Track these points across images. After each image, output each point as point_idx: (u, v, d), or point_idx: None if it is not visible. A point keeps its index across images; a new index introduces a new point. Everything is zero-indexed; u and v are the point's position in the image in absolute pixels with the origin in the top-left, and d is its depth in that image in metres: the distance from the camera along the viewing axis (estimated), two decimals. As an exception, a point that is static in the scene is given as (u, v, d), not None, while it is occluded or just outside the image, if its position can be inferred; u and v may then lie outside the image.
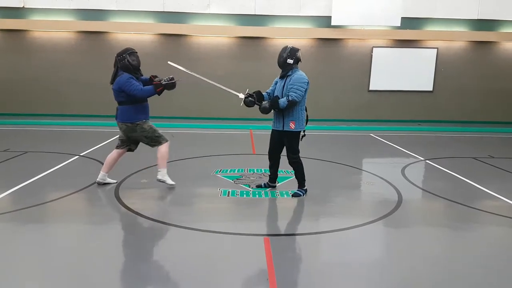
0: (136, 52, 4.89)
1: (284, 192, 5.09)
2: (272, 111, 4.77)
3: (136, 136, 4.99)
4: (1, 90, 11.75)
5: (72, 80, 11.83)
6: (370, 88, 12.39)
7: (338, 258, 3.45)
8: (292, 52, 4.66)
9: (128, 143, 5.14)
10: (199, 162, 6.71)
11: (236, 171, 6.05)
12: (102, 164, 6.26)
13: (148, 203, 4.71)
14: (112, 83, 4.85)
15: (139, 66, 4.90)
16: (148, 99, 4.93)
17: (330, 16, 11.51)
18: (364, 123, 11.85)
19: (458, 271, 3.25)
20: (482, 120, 12.50)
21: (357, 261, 3.38)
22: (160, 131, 5.10)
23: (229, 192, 5.08)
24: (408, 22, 11.74)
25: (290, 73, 4.68)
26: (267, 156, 5.10)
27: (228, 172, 6.02)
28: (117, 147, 5.17)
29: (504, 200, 5.04)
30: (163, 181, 5.08)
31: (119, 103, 4.88)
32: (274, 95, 4.81)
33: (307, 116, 4.83)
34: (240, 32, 11.37)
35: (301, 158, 4.93)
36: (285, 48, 4.72)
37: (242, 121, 11.39)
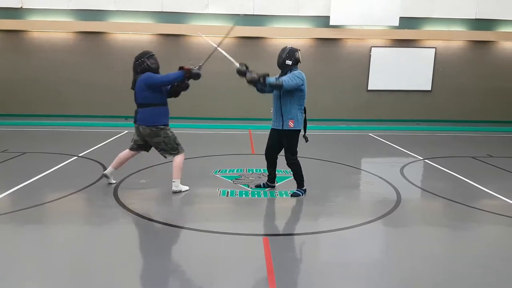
0: (154, 55, 4.82)
1: (283, 192, 5.10)
2: (272, 110, 4.77)
3: (157, 141, 4.84)
4: (-1, 91, 11.75)
5: (71, 81, 11.81)
6: (369, 88, 12.40)
7: (338, 258, 3.45)
8: (291, 52, 4.66)
9: (145, 148, 5.07)
10: (198, 162, 6.71)
11: (235, 171, 6.05)
12: (101, 164, 6.29)
13: (147, 203, 4.70)
14: (133, 88, 4.77)
15: (158, 69, 4.84)
16: None
17: (329, 16, 11.52)
18: (363, 123, 11.86)
19: (457, 270, 3.25)
20: (481, 120, 12.52)
21: (356, 261, 3.38)
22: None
23: (228, 192, 5.08)
24: (407, 22, 11.76)
25: (289, 73, 4.67)
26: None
27: (227, 172, 6.02)
28: (131, 149, 5.11)
29: (503, 199, 5.04)
30: (179, 191, 4.98)
31: (141, 105, 4.76)
32: (281, 99, 4.71)
33: (305, 118, 4.82)
34: (238, 32, 11.37)
35: (300, 158, 4.93)
36: (284, 48, 4.71)
37: (241, 121, 11.40)
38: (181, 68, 4.80)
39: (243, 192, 5.09)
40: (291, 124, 4.69)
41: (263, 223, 4.28)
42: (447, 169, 6.56)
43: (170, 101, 4.98)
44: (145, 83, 4.66)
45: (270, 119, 4.98)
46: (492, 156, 7.66)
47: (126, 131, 9.51)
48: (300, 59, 4.72)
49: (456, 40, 12.14)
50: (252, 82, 4.46)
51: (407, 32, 11.80)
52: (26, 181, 5.33)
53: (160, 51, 11.50)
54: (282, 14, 11.68)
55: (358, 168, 6.69)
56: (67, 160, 6.59)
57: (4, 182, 5.24)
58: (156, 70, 4.78)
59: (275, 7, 11.63)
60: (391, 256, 3.54)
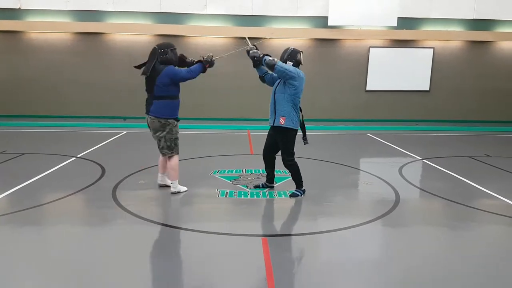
0: (176, 49, 4.83)
1: (282, 193, 5.10)
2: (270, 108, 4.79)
3: (159, 135, 4.83)
4: (-2, 91, 11.72)
5: (69, 81, 11.79)
6: (367, 88, 12.41)
7: (337, 258, 3.45)
8: (293, 54, 4.67)
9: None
10: (197, 162, 6.70)
11: (234, 172, 6.05)
12: (99, 165, 6.29)
13: (146, 204, 4.70)
14: (147, 74, 4.68)
15: (177, 63, 4.87)
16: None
17: (327, 17, 11.52)
18: (362, 123, 11.87)
19: (456, 270, 3.25)
20: (479, 120, 12.55)
21: (355, 261, 3.38)
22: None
23: (227, 192, 5.08)
24: (405, 22, 11.78)
25: None
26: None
27: (226, 172, 6.02)
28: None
29: (502, 199, 5.05)
30: (178, 192, 5.00)
31: (159, 97, 4.71)
32: (275, 92, 4.77)
33: (302, 118, 4.81)
34: (237, 32, 11.36)
35: (298, 159, 4.93)
36: (287, 49, 4.74)
37: (240, 121, 11.40)
38: (198, 61, 4.89)
39: (242, 193, 5.09)
40: (281, 121, 4.67)
41: (262, 224, 4.28)
42: (445, 169, 6.57)
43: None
44: (171, 78, 4.65)
45: (268, 120, 4.99)
46: (490, 156, 7.67)
47: (125, 132, 9.50)
48: (302, 61, 4.73)
49: (454, 40, 12.16)
50: (253, 56, 4.73)
51: (405, 32, 11.82)
52: (25, 182, 5.32)
53: (158, 52, 11.62)
54: (280, 15, 11.69)
55: (357, 168, 6.69)
56: (66, 161, 6.58)
57: (2, 184, 5.23)
58: (175, 64, 4.79)
59: (274, 7, 11.63)
60: (390, 256, 3.54)
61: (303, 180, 5.01)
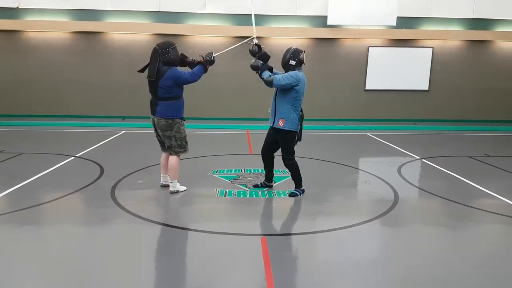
0: (176, 46, 4.81)
1: (281, 192, 5.09)
2: (270, 109, 4.78)
3: (168, 134, 4.83)
4: (-3, 91, 11.69)
5: (68, 81, 11.75)
6: (367, 88, 12.40)
7: (335, 258, 3.45)
8: (296, 53, 4.67)
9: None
10: (196, 162, 6.70)
11: (233, 171, 6.04)
12: (98, 165, 6.28)
13: (144, 204, 4.69)
14: (151, 77, 4.65)
15: (179, 61, 4.87)
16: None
17: (326, 16, 11.51)
18: (361, 123, 11.87)
19: (456, 269, 3.25)
20: (478, 119, 12.55)
21: (354, 260, 3.38)
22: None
23: (226, 192, 5.07)
24: (404, 22, 11.76)
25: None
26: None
27: (225, 172, 6.01)
28: (163, 151, 5.10)
29: (501, 199, 5.05)
30: (177, 192, 4.99)
31: (164, 98, 4.70)
32: (276, 93, 4.77)
33: (302, 118, 4.80)
34: (236, 31, 11.34)
35: (298, 158, 4.92)
36: (289, 49, 4.73)
37: (239, 121, 11.39)
38: (199, 62, 4.91)
39: (241, 192, 5.08)
40: (280, 123, 4.68)
41: (261, 223, 4.27)
42: (444, 168, 6.57)
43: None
44: (175, 81, 4.66)
45: (267, 119, 4.98)
46: (489, 156, 7.68)
47: (123, 131, 9.49)
48: (304, 61, 4.73)
49: (454, 39, 12.15)
50: (253, 69, 4.76)
51: (405, 31, 11.81)
52: (23, 181, 5.31)
53: (157, 51, 11.61)
54: (279, 14, 11.67)
55: (356, 168, 6.69)
56: (64, 160, 6.56)
57: (1, 183, 5.22)
58: (177, 63, 4.79)
59: (273, 7, 11.62)
60: (389, 255, 3.54)
61: (302, 179, 5.01)
